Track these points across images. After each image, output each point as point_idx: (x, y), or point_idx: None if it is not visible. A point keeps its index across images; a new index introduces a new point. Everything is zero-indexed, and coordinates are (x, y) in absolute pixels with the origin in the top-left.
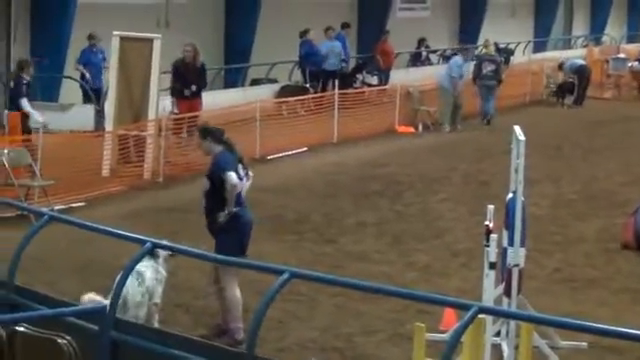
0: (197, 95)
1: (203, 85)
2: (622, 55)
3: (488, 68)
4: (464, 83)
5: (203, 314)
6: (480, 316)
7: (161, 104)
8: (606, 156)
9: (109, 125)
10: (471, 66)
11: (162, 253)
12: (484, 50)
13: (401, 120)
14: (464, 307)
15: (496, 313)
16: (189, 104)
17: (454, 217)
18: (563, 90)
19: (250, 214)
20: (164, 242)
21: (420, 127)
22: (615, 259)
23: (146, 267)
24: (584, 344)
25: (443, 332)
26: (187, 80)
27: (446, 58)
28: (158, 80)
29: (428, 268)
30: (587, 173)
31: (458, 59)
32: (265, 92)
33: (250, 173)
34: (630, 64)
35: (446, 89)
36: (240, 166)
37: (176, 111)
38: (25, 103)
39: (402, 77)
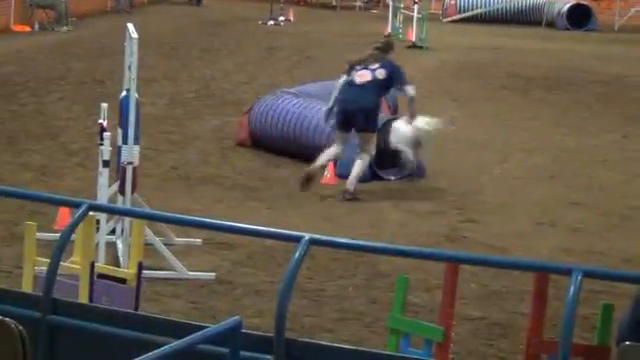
0: None
1: None
2: None
3: None
4: None
5: None
6: (92, 214)
7: None
8: (223, 55)
9: None
10: None
11: None
12: None
13: (17, 19)
14: (74, 205)
15: (107, 210)
16: None
17: (70, 117)
18: None
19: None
20: None
21: (36, 26)
22: (229, 156)
23: None
24: (198, 240)
25: (58, 232)
26: None
27: None
28: None
29: (43, 168)
30: (204, 72)
31: None
32: None
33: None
34: None
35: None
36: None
37: None
38: None
39: None
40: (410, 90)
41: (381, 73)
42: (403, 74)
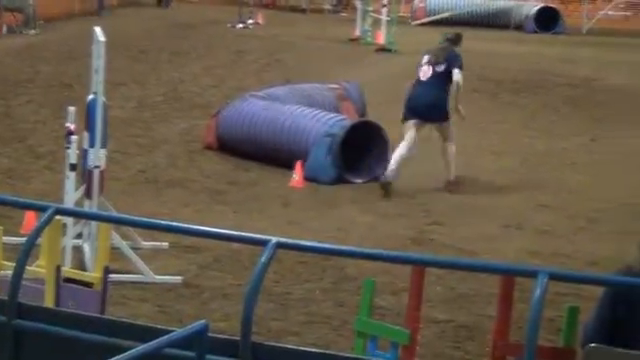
0: None
1: None
2: None
3: None
4: None
5: None
6: (58, 217)
7: None
8: (191, 59)
9: None
10: None
11: None
12: None
13: None
14: (41, 209)
15: (74, 214)
16: None
17: (37, 120)
18: None
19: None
20: None
21: (5, 29)
22: (197, 160)
23: None
24: (165, 244)
25: (24, 236)
26: None
27: None
28: None
29: (10, 171)
30: (172, 75)
31: None
32: None
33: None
34: None
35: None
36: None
37: None
38: None
39: None
40: (456, 74)
41: (441, 66)
42: (459, 60)
